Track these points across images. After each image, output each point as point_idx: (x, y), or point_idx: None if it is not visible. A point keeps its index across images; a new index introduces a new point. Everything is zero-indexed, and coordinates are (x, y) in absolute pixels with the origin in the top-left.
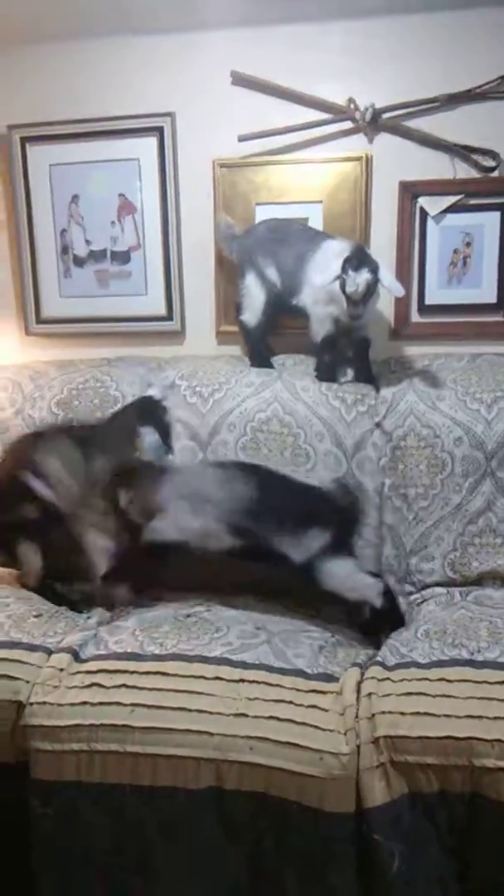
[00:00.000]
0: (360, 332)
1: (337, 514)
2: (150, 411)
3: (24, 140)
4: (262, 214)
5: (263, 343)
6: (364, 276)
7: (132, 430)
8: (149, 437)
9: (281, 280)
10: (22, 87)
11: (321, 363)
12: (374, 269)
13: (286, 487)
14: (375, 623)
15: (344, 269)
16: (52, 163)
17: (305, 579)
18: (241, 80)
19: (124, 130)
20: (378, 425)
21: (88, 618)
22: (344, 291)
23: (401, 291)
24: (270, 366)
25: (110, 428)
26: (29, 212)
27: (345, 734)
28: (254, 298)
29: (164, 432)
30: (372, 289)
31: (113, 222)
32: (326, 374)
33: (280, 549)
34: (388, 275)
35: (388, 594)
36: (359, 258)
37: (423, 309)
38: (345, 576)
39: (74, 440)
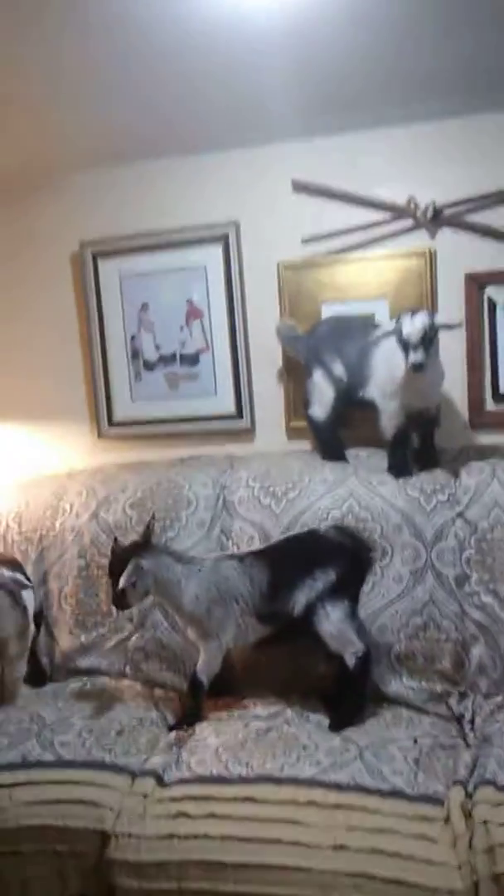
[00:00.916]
0: (430, 413)
1: (340, 553)
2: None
3: (95, 255)
4: (328, 312)
5: (335, 437)
6: (420, 318)
7: None
8: None
9: (347, 374)
10: (92, 206)
11: (394, 460)
12: (431, 315)
13: (291, 544)
14: (340, 689)
15: (399, 318)
16: (123, 274)
17: (305, 625)
18: (301, 187)
19: (191, 241)
20: (460, 515)
21: (170, 728)
22: (402, 339)
23: (459, 321)
24: (344, 459)
25: None
26: (100, 321)
27: (459, 869)
28: (322, 394)
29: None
30: (430, 333)
31: (181, 327)
32: (400, 470)
33: (297, 611)
34: (444, 317)
35: (364, 662)
36: (415, 309)
37: (499, 397)
38: (336, 621)
39: None
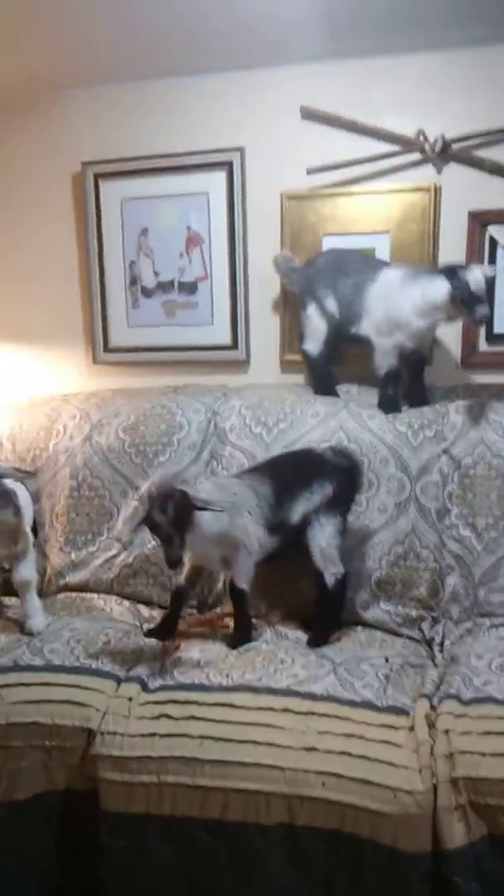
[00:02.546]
0: (422, 352)
1: (336, 471)
2: None
3: (97, 176)
4: (329, 246)
5: (327, 371)
6: (476, 271)
7: None
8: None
9: (339, 310)
10: (96, 126)
11: (385, 396)
12: (476, 265)
13: (288, 459)
14: (318, 610)
15: (451, 276)
16: (124, 197)
17: (300, 535)
18: (310, 115)
19: (194, 165)
20: (445, 451)
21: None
22: (469, 294)
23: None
24: (335, 394)
25: None
26: (100, 244)
27: (420, 772)
28: (315, 328)
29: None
30: (490, 280)
31: (181, 254)
32: (390, 407)
33: (295, 520)
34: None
35: (342, 583)
36: (450, 266)
37: (492, 338)
38: (328, 536)
39: None
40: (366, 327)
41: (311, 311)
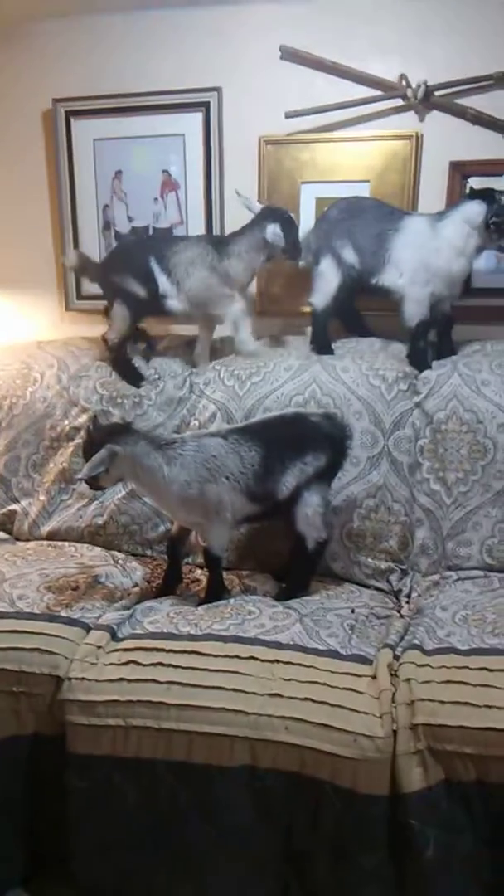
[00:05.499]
0: (444, 311)
1: (330, 440)
2: (278, 213)
3: (69, 114)
4: (307, 193)
5: (327, 327)
6: None
7: (262, 227)
8: (273, 230)
9: (360, 260)
10: (67, 61)
11: (415, 349)
12: None
13: (279, 425)
14: (292, 565)
15: (488, 199)
16: (97, 137)
17: (286, 507)
18: (290, 55)
19: (170, 105)
20: (418, 405)
21: (122, 598)
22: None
23: None
24: (331, 351)
25: (241, 234)
26: (72, 186)
27: (380, 718)
28: (327, 282)
29: (289, 233)
30: None
31: (156, 199)
32: (420, 360)
33: (284, 493)
34: None
35: (322, 547)
36: (486, 188)
37: (470, 292)
38: (315, 505)
39: (211, 244)
40: (390, 278)
41: (325, 264)
